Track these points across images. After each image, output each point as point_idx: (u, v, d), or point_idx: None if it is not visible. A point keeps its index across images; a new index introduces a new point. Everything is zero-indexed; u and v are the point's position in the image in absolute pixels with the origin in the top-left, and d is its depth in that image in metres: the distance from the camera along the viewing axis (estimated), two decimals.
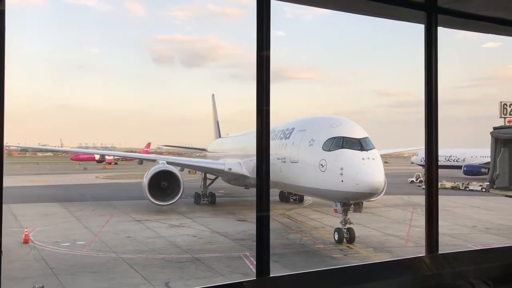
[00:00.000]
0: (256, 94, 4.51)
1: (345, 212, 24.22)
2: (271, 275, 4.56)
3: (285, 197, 42.42)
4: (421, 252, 6.38)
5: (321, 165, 23.69)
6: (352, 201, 23.82)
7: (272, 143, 30.58)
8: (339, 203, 24.09)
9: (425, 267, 5.32)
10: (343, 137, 24.06)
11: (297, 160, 26.31)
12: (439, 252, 5.52)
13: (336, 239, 24.66)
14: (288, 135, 28.86)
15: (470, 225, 31.18)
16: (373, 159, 23.24)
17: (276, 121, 35.97)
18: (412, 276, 5.31)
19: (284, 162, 27.60)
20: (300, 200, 42.43)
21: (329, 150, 23.83)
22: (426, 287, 5.27)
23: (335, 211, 24.71)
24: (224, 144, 53.86)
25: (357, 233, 24.94)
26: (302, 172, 25.93)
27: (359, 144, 23.72)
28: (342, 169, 22.75)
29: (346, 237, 24.37)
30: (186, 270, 19.70)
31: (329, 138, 24.31)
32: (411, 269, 5.41)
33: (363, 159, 22.93)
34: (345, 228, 24.46)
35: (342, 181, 22.62)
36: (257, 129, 4.45)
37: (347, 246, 24.03)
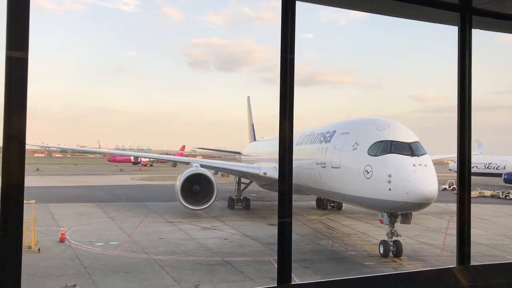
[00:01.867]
0: (279, 97, 4.42)
1: (392, 223, 22.38)
2: (292, 283, 4.47)
3: (322, 204, 40.99)
4: (455, 262, 6.11)
5: (366, 171, 21.87)
6: (400, 212, 21.93)
7: (311, 146, 29.62)
8: (385, 213, 22.21)
9: (455, 279, 5.08)
10: (391, 141, 22.15)
11: (339, 166, 24.45)
12: (471, 264, 5.26)
13: (382, 252, 22.84)
14: (329, 138, 26.92)
15: (510, 235, 30.02)
16: (425, 165, 21.22)
17: (307, 125, 35.66)
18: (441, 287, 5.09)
19: (324, 167, 26.07)
20: (339, 207, 40.52)
21: (375, 155, 21.92)
22: None
23: (381, 221, 22.89)
24: (259, 148, 52.84)
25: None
26: (344, 178, 24.11)
27: (409, 149, 21.80)
28: (390, 176, 20.87)
29: (393, 250, 22.58)
30: (216, 273, 19.72)
31: (375, 142, 22.41)
32: (441, 280, 5.19)
33: (414, 165, 20.96)
34: (391, 241, 22.63)
35: (390, 189, 20.72)
36: (280, 133, 4.37)
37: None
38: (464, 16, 5.60)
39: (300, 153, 30.62)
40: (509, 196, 53.49)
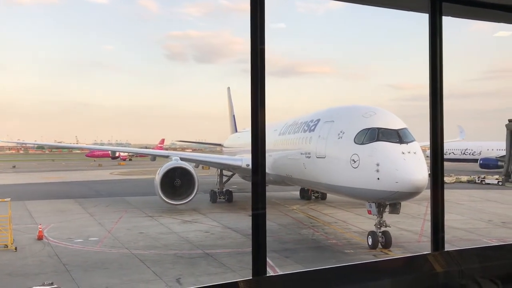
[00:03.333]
0: (251, 88, 4.37)
1: (380, 213, 21.69)
2: (267, 275, 4.46)
3: (306, 195, 40.38)
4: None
5: (353, 160, 21.06)
6: (389, 202, 21.28)
7: (295, 136, 28.89)
8: (373, 203, 21.52)
9: (430, 265, 5.14)
10: (378, 128, 21.27)
11: (324, 155, 23.51)
12: (445, 250, 5.33)
13: (370, 244, 22.12)
14: (313, 127, 25.97)
15: (486, 219, 30.64)
16: (414, 153, 20.52)
17: (286, 116, 35.64)
18: (416, 274, 5.14)
19: (309, 157, 25.26)
20: (323, 198, 40.01)
21: (362, 144, 21.07)
22: (430, 285, 5.10)
23: (369, 212, 22.11)
24: (240, 139, 51.33)
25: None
26: (330, 168, 23.18)
27: (397, 136, 21.00)
28: (378, 165, 20.09)
29: (381, 241, 21.93)
30: (198, 266, 19.68)
31: (362, 130, 21.52)
32: (416, 267, 5.24)
33: (403, 153, 20.26)
34: (380, 232, 21.96)
35: (378, 178, 19.97)
36: (252, 124, 4.32)
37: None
38: (434, 3, 5.60)
39: (283, 143, 30.38)
40: (484, 181, 54.61)
